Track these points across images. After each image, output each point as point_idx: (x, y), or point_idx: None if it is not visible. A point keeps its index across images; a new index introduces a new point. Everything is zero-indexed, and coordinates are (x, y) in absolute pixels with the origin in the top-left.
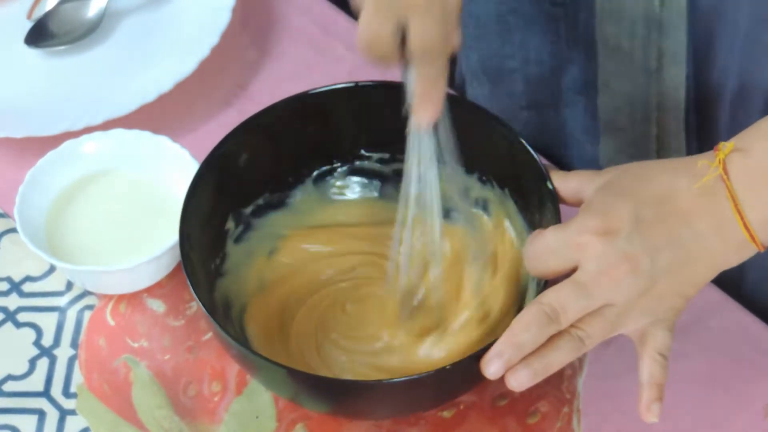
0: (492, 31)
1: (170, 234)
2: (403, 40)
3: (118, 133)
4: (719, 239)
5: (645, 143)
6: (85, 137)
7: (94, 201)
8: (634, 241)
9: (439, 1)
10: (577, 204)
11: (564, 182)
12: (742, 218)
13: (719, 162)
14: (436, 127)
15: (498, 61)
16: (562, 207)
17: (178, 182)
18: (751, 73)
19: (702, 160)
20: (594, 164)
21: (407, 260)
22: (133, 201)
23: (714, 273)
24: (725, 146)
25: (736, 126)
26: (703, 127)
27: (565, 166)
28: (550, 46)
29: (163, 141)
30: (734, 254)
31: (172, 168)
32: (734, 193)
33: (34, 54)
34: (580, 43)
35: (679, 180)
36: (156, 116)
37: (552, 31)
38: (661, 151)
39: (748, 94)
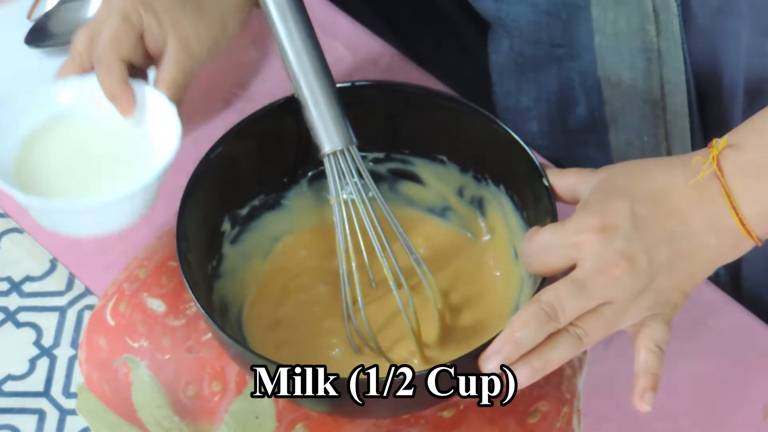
0: (509, 70)
1: (144, 174)
2: None
3: (93, 78)
4: (715, 235)
5: None
6: (60, 84)
7: (65, 142)
8: (631, 238)
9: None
10: (573, 201)
11: (560, 180)
12: (737, 213)
13: (713, 158)
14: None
15: (515, 100)
16: (558, 204)
17: (155, 125)
18: (757, 89)
19: (696, 157)
20: None
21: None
22: (106, 143)
23: (712, 268)
24: (719, 143)
25: None
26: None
27: None
28: (556, 86)
29: (141, 85)
30: (731, 249)
31: (148, 111)
32: (728, 188)
33: (34, 54)
34: (584, 82)
35: (675, 177)
36: None
37: (557, 72)
38: None
39: (757, 101)
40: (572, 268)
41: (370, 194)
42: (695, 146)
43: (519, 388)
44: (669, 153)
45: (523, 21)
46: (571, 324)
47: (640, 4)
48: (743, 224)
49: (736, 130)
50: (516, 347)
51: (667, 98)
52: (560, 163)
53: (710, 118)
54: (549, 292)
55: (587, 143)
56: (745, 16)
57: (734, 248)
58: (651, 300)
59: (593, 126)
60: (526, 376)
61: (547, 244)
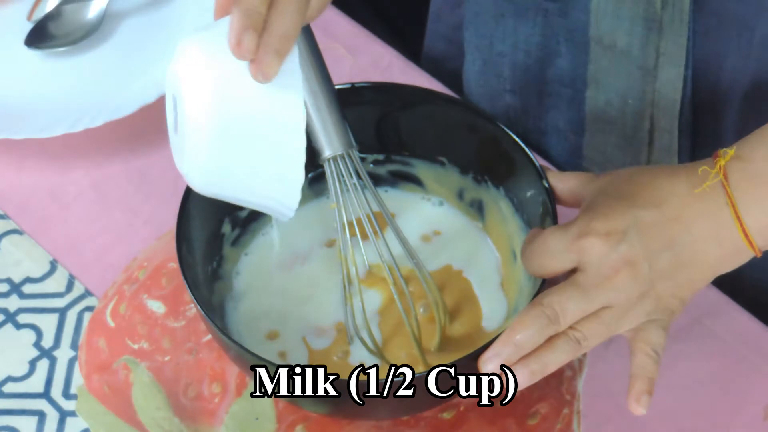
0: (488, 12)
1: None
2: None
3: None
4: (717, 244)
5: (636, 137)
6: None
7: None
8: (634, 244)
9: None
10: (575, 204)
11: (561, 182)
12: (741, 224)
13: (720, 168)
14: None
15: (489, 42)
16: (558, 207)
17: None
18: (766, 78)
19: (702, 166)
20: (576, 154)
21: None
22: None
23: (711, 277)
24: (726, 153)
25: (746, 128)
26: (703, 125)
27: (543, 153)
28: (539, 38)
29: None
30: (731, 259)
31: None
32: (734, 199)
33: (34, 55)
34: (571, 38)
35: (679, 185)
36: (156, 117)
37: (543, 23)
38: (652, 146)
39: (761, 99)
40: (572, 271)
41: (371, 198)
42: (682, 119)
43: (517, 389)
44: (652, 120)
45: None
46: (570, 327)
47: None
48: (746, 235)
49: (743, 141)
50: (516, 350)
51: (659, 68)
52: (526, 111)
53: (702, 99)
54: (551, 296)
55: (560, 96)
56: (765, 8)
57: (734, 258)
58: (650, 306)
59: (571, 81)
60: (524, 378)
61: (550, 246)
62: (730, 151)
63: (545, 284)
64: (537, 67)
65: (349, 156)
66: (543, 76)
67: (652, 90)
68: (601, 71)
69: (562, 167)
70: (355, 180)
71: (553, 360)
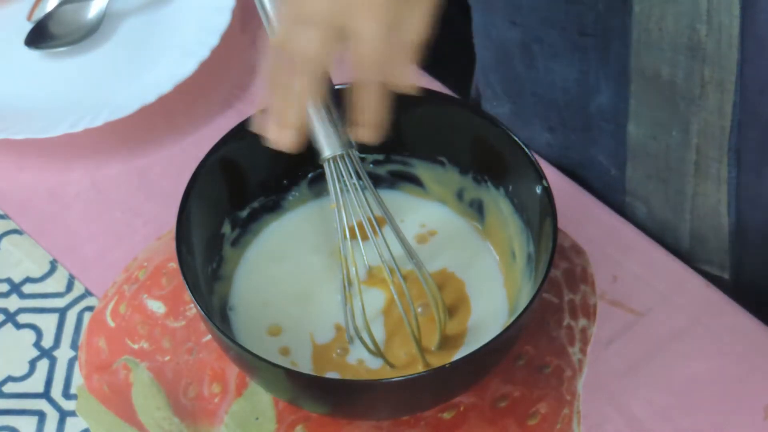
0: (515, 57)
1: None
2: None
3: None
4: None
5: (680, 168)
6: None
7: None
8: None
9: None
10: None
11: None
12: None
13: None
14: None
15: (520, 86)
16: (559, 207)
17: None
18: None
19: None
20: (619, 189)
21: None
22: None
23: None
24: None
25: None
26: (747, 150)
27: (586, 187)
28: (577, 74)
29: None
30: None
31: None
32: None
33: (34, 55)
34: (611, 72)
35: None
36: (156, 118)
37: (580, 60)
38: (698, 175)
39: None
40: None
41: (371, 198)
42: (730, 147)
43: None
44: (698, 149)
45: (543, 4)
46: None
47: (693, 2)
48: None
49: None
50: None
51: (705, 97)
52: (567, 147)
53: (746, 120)
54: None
55: (602, 130)
56: None
57: None
58: None
59: (613, 116)
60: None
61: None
62: None
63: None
64: (576, 104)
65: (349, 156)
66: (584, 113)
67: (698, 120)
68: (643, 104)
69: (605, 202)
70: (354, 180)
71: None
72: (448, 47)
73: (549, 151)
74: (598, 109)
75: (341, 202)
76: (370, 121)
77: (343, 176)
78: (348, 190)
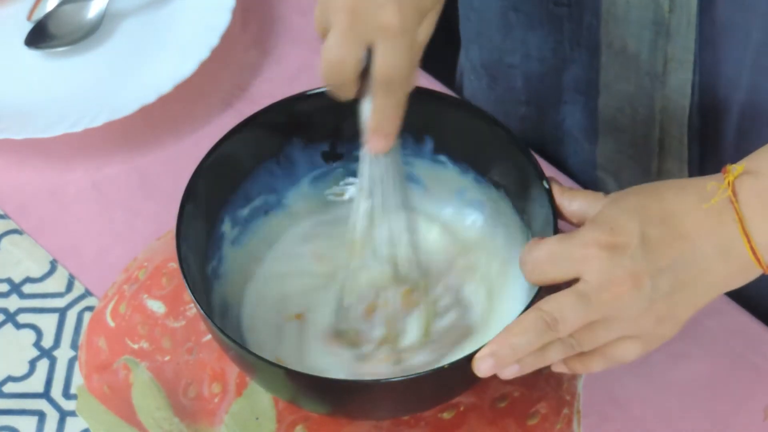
0: (493, 26)
1: None
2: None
3: None
4: (723, 260)
5: (646, 145)
6: None
7: None
8: (638, 259)
9: (411, 30)
10: (580, 224)
11: (568, 200)
12: (748, 240)
13: (728, 183)
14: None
15: (498, 56)
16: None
17: None
18: (760, 87)
19: (711, 182)
20: (591, 163)
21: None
22: None
23: (715, 294)
24: (735, 168)
25: (743, 138)
26: (707, 133)
27: (560, 163)
28: (552, 44)
29: None
30: (737, 276)
31: None
32: (742, 214)
33: (34, 55)
34: (583, 43)
35: (687, 200)
36: (156, 117)
37: (555, 30)
38: (662, 153)
39: (757, 108)
40: (573, 281)
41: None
42: (691, 127)
43: (501, 377)
44: (662, 127)
45: None
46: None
47: None
48: (754, 252)
49: (753, 156)
50: (512, 352)
51: (668, 75)
52: (542, 120)
53: (705, 106)
54: (551, 303)
55: (575, 103)
56: (759, 16)
57: (741, 275)
58: (648, 325)
59: (586, 88)
60: (513, 372)
61: (552, 255)
62: (740, 167)
63: (542, 291)
64: (552, 75)
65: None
66: (559, 84)
67: (661, 97)
68: (611, 77)
69: (577, 176)
70: (384, 172)
71: (545, 362)
72: (434, 35)
73: (524, 125)
74: (572, 81)
75: (367, 189)
76: (386, 131)
77: (376, 167)
78: (380, 180)
